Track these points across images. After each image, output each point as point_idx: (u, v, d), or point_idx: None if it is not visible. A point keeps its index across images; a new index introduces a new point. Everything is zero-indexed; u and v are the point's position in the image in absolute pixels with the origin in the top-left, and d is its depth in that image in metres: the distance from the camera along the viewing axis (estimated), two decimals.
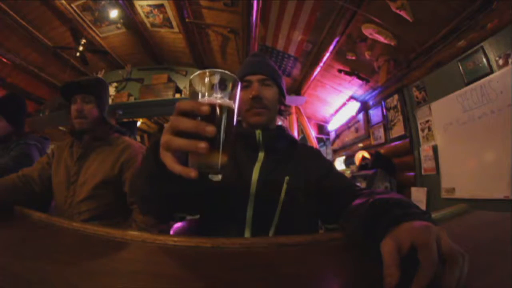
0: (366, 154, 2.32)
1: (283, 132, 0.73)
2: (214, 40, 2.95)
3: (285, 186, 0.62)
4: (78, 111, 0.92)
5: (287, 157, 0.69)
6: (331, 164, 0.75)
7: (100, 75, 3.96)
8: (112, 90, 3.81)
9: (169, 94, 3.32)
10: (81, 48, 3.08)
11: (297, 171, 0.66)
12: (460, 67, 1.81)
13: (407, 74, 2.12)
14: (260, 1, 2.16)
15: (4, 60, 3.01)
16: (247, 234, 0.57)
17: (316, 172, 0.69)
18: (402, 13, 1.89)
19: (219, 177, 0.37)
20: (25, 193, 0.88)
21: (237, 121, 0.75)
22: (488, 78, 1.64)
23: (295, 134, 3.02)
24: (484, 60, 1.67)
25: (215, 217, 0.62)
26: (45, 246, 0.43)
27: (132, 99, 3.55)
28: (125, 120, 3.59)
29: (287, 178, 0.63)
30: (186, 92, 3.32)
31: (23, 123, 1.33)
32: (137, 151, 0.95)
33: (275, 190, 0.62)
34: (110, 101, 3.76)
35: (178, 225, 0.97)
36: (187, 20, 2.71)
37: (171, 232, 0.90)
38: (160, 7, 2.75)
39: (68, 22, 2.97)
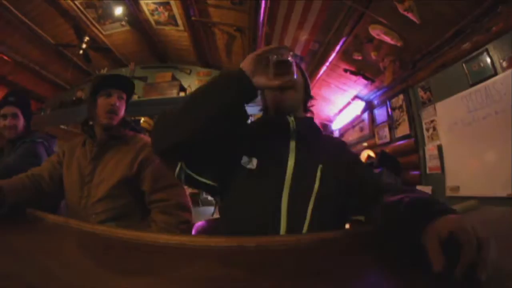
0: (372, 153, 2.37)
1: (312, 121, 0.75)
2: (219, 38, 2.95)
3: (319, 174, 0.63)
4: (113, 106, 0.89)
5: (317, 145, 0.70)
6: (357, 155, 0.79)
7: (102, 73, 3.94)
8: None
9: (173, 93, 3.32)
10: (84, 45, 3.04)
11: (328, 160, 0.67)
12: (465, 69, 1.86)
13: (412, 74, 2.16)
14: (268, 1, 2.16)
15: (6, 57, 2.96)
16: (283, 223, 0.56)
17: (344, 162, 0.71)
18: (409, 15, 1.92)
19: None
20: (35, 193, 0.84)
21: (264, 108, 0.77)
22: (492, 80, 1.69)
23: None
24: (489, 62, 1.72)
25: (245, 204, 0.61)
26: (73, 253, 0.41)
27: (135, 97, 3.54)
28: (127, 118, 3.58)
29: (320, 166, 0.64)
30: (190, 90, 3.32)
31: (30, 120, 1.31)
32: None
33: (310, 179, 0.63)
34: None
35: (199, 224, 0.98)
36: (193, 18, 2.70)
37: (193, 232, 0.91)
38: (165, 4, 2.73)
39: (71, 20, 2.92)
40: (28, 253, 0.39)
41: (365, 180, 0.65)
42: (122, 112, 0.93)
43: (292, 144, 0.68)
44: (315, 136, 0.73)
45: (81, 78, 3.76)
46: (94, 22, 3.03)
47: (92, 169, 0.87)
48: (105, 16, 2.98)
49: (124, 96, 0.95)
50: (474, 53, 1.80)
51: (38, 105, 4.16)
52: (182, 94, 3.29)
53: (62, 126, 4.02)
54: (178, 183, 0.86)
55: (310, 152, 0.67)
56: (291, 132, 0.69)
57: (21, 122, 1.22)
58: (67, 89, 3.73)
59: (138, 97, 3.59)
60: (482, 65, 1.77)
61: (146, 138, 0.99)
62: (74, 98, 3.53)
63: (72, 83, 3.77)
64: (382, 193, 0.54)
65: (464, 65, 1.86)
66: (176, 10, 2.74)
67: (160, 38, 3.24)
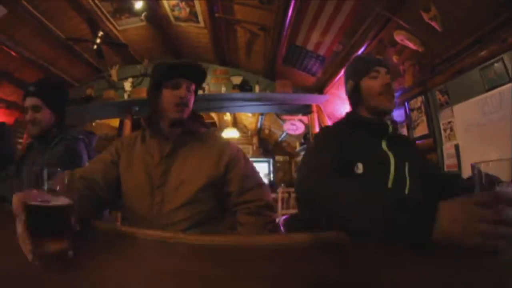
0: None
1: (396, 122, 0.85)
2: (241, 36, 2.95)
3: (407, 170, 0.75)
4: (183, 98, 0.77)
5: (400, 144, 0.80)
6: (422, 151, 0.94)
7: (114, 70, 3.78)
8: (128, 86, 3.69)
9: None
10: (98, 40, 2.91)
11: (410, 157, 0.78)
12: (481, 75, 2.04)
13: (431, 78, 2.32)
14: (298, 1, 2.21)
15: (13, 53, 2.78)
16: None
17: (419, 158, 0.83)
18: (433, 23, 2.06)
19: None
20: (91, 200, 0.68)
21: (355, 110, 0.87)
22: (506, 86, 1.88)
23: (317, 131, 3.16)
24: (503, 70, 1.90)
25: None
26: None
27: None
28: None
29: (407, 163, 0.75)
30: (209, 88, 3.30)
31: (65, 114, 1.12)
32: (236, 149, 0.85)
33: (404, 175, 0.74)
34: (125, 97, 3.64)
35: (284, 217, 1.04)
36: (217, 15, 2.67)
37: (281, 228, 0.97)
38: (188, 0, 2.67)
39: (84, 13, 2.77)
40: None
41: (441, 176, 0.81)
42: (191, 105, 0.82)
43: (384, 143, 0.78)
44: (398, 136, 0.84)
45: (90, 75, 3.60)
46: (108, 16, 2.89)
47: (164, 169, 0.74)
48: (121, 10, 2.86)
49: (194, 87, 0.82)
50: (490, 61, 1.97)
51: None
52: (200, 92, 3.27)
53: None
54: (263, 182, 0.85)
55: (398, 151, 0.77)
56: (386, 133, 0.78)
57: (46, 115, 1.04)
58: (75, 86, 3.55)
59: None
60: (497, 72, 1.95)
61: (220, 135, 0.99)
62: (83, 96, 3.38)
63: (81, 80, 3.60)
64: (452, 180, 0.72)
65: (480, 71, 2.04)
66: (198, 6, 2.70)
67: (177, 34, 3.17)
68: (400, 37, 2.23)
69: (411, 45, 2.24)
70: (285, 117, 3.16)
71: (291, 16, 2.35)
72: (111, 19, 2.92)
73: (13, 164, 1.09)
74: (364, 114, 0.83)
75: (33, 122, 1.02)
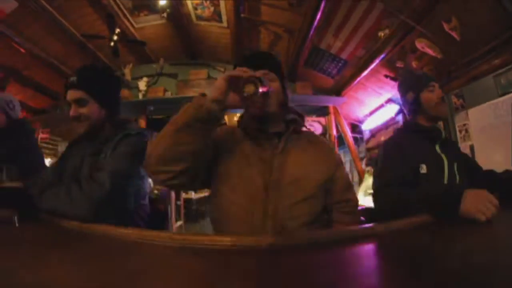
0: None
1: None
2: (264, 37, 2.97)
3: (456, 170, 0.92)
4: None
5: (449, 147, 0.98)
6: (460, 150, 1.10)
7: (128, 69, 3.67)
8: (142, 85, 3.59)
9: None
10: (115, 37, 2.82)
11: (456, 157, 0.95)
12: (495, 81, 2.24)
13: (447, 83, 2.50)
14: (327, 6, 2.28)
15: (22, 50, 2.63)
16: None
17: (463, 158, 1.02)
18: (453, 33, 2.23)
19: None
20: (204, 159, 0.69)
21: (414, 118, 1.02)
22: None
23: (334, 132, 3.27)
24: None
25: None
26: None
27: (169, 95, 3.40)
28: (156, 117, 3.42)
29: (455, 163, 0.92)
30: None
31: (118, 107, 0.94)
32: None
33: (454, 174, 0.91)
34: (140, 96, 3.54)
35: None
36: (242, 15, 2.68)
37: None
38: None
39: (101, 9, 2.68)
40: None
41: (477, 169, 0.99)
42: (280, 97, 0.77)
43: (437, 148, 0.95)
44: (446, 140, 1.00)
45: None
46: (126, 13, 2.80)
47: (280, 164, 0.71)
48: (141, 7, 2.78)
49: (274, 76, 0.76)
50: (503, 69, 2.17)
51: (52, 103, 3.78)
52: None
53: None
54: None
55: (448, 153, 0.94)
56: (440, 138, 0.95)
57: (93, 109, 0.85)
58: None
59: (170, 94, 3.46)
60: (509, 79, 2.15)
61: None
62: None
63: None
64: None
65: (493, 78, 2.24)
66: (223, 5, 2.69)
67: (196, 34, 3.13)
68: (421, 44, 2.38)
69: (430, 52, 2.40)
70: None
71: (319, 20, 2.42)
72: (129, 16, 2.83)
73: (56, 163, 0.93)
74: (422, 122, 1.00)
75: (78, 119, 0.83)
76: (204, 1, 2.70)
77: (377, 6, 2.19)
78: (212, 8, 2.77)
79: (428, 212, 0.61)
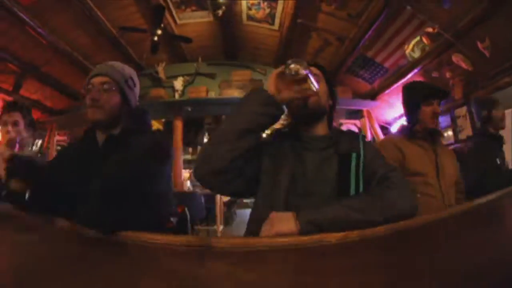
0: None
1: None
2: (313, 43, 3.20)
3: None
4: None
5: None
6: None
7: (161, 67, 3.66)
8: (178, 84, 3.58)
9: None
10: (159, 31, 2.61)
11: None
12: None
13: (474, 91, 2.95)
14: (385, 20, 2.59)
15: (44, 42, 2.39)
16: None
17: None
18: (485, 51, 2.66)
19: None
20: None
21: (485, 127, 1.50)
22: None
23: (368, 135, 3.60)
24: None
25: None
26: None
27: (212, 95, 3.44)
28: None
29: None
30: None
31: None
32: None
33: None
34: (176, 96, 3.50)
35: None
36: (299, 20, 2.85)
37: None
38: (272, 1, 2.69)
39: (144, 1, 2.54)
40: None
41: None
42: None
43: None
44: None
45: None
46: (171, 7, 2.65)
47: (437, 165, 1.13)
48: (189, 1, 2.64)
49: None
50: None
51: (70, 103, 3.55)
52: None
53: None
54: None
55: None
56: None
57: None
58: None
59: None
60: None
61: None
62: None
63: None
64: None
65: None
66: (280, 8, 2.72)
67: (242, 34, 3.13)
68: (457, 58, 2.79)
69: (463, 65, 2.83)
70: (341, 120, 3.53)
71: (374, 30, 2.72)
72: (173, 11, 2.70)
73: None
74: (491, 131, 1.55)
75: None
76: (261, 2, 2.69)
77: (427, 24, 2.54)
78: (268, 10, 2.78)
79: None
